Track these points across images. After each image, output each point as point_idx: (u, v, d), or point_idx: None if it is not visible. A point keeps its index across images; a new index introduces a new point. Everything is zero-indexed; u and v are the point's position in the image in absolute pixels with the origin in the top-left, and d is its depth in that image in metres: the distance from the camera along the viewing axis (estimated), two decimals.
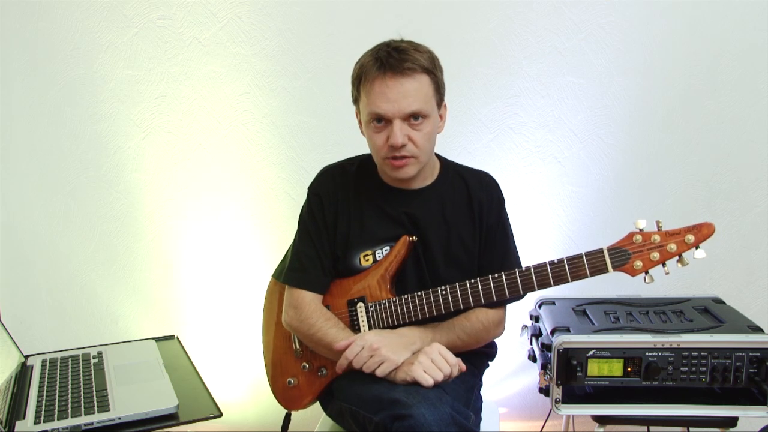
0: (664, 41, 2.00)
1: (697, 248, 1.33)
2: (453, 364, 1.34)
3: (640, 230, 1.35)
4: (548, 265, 1.37)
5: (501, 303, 1.50)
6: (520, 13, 2.01)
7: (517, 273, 1.39)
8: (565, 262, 1.36)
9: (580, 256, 1.36)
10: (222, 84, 2.10)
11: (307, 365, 1.54)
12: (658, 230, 1.35)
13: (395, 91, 1.35)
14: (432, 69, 1.39)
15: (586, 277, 1.36)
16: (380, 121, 1.38)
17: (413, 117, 1.37)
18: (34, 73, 2.11)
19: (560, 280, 1.37)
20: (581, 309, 1.77)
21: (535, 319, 1.81)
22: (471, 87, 2.04)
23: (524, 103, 2.06)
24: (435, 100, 1.41)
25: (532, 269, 1.38)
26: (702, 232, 1.33)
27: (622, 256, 1.35)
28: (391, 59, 1.35)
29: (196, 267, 2.20)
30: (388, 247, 1.49)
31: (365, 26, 2.02)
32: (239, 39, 2.07)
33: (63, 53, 2.09)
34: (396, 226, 1.49)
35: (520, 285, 1.39)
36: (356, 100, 1.46)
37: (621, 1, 1.98)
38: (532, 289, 1.39)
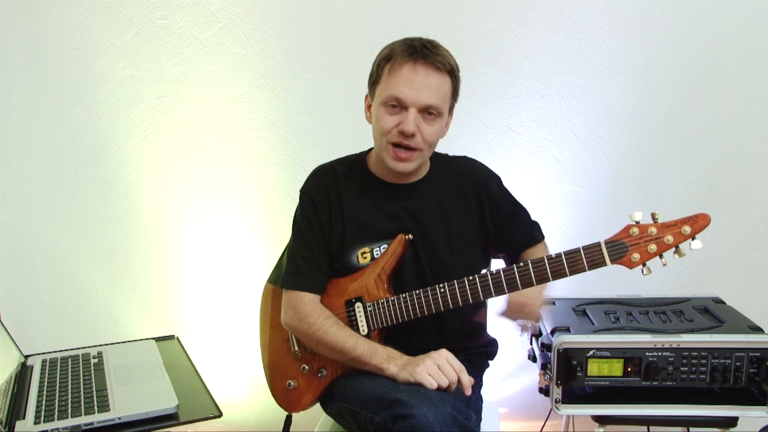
0: (664, 41, 2.00)
1: (693, 239, 1.33)
2: (459, 370, 1.33)
3: (637, 223, 1.35)
4: (546, 260, 1.37)
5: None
6: (520, 13, 2.01)
7: (515, 269, 1.39)
8: (563, 256, 1.36)
9: (577, 250, 1.36)
10: (222, 84, 2.10)
11: (306, 367, 1.54)
12: (654, 222, 1.34)
13: (421, 80, 1.37)
14: (456, 73, 1.42)
15: (585, 270, 1.36)
16: (395, 105, 1.39)
17: (428, 111, 1.39)
18: (34, 73, 2.11)
19: (559, 274, 1.37)
20: (581, 309, 1.77)
21: None
22: (471, 87, 2.04)
23: (524, 103, 2.06)
24: (449, 103, 1.44)
25: (530, 264, 1.38)
26: (698, 222, 1.32)
27: (619, 249, 1.34)
28: (425, 50, 1.38)
29: (196, 267, 2.20)
30: (385, 245, 1.48)
31: (365, 26, 2.02)
32: (239, 39, 2.07)
33: (63, 53, 2.08)
34: (394, 221, 1.49)
35: (518, 280, 1.39)
36: (374, 82, 1.44)
37: (621, 1, 1.98)
38: (531, 284, 1.39)
